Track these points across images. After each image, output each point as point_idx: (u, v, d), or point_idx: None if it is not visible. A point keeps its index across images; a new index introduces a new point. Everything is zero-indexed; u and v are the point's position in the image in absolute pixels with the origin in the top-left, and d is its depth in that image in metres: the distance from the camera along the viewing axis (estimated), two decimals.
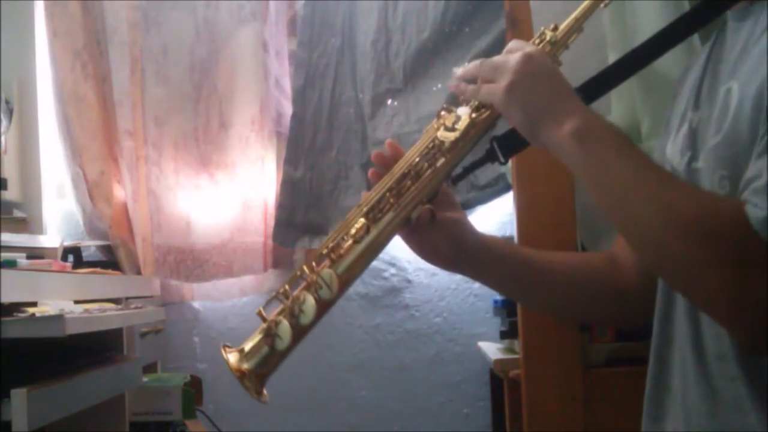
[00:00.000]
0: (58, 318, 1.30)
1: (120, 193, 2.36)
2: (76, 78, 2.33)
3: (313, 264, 0.92)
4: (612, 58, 1.45)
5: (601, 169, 0.80)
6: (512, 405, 1.66)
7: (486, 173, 2.19)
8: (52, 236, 2.16)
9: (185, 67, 2.35)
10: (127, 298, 1.96)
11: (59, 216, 2.42)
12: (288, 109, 2.37)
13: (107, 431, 1.73)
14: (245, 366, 0.88)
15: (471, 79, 0.90)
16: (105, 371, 1.59)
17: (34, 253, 1.83)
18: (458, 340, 2.38)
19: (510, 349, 1.85)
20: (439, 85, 2.24)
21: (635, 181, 0.77)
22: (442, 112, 0.95)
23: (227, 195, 2.37)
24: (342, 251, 0.92)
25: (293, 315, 0.89)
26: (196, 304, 2.43)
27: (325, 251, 0.92)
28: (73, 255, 2.19)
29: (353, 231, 0.93)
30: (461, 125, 0.92)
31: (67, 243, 2.20)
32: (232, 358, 0.89)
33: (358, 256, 0.92)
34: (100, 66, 2.35)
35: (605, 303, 1.05)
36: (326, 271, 0.91)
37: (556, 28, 0.91)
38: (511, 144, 0.92)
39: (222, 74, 2.37)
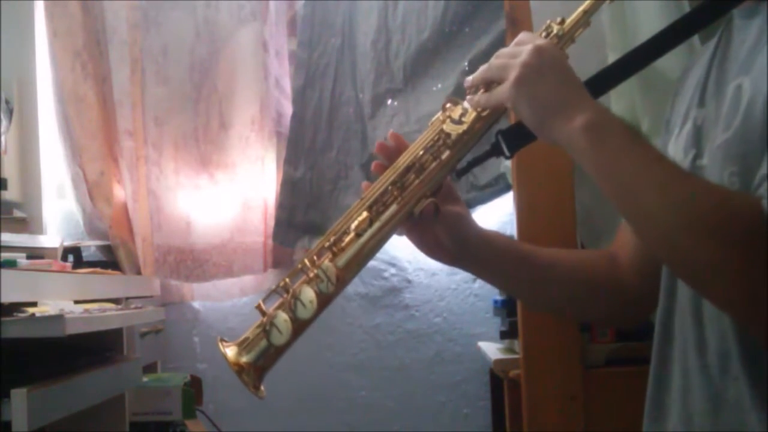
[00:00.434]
0: (58, 318, 1.30)
1: (120, 193, 2.36)
2: (76, 78, 2.33)
3: (315, 257, 0.91)
4: (611, 58, 1.45)
5: (612, 163, 0.78)
6: (512, 405, 1.66)
7: (486, 173, 2.18)
8: (52, 236, 2.16)
9: (185, 67, 2.35)
10: (127, 298, 1.96)
11: (59, 216, 2.42)
12: (288, 109, 2.37)
13: (107, 431, 1.73)
14: (243, 360, 0.86)
15: (481, 84, 0.89)
16: (105, 371, 1.59)
17: (34, 253, 1.83)
18: (458, 340, 2.38)
19: (510, 349, 1.86)
20: (439, 85, 2.25)
21: (647, 175, 0.76)
22: (448, 105, 0.93)
23: (227, 195, 2.37)
24: (343, 245, 0.91)
25: (292, 309, 0.87)
26: (196, 304, 2.43)
27: (326, 245, 0.91)
28: (73, 255, 2.19)
29: (355, 224, 0.91)
30: (468, 118, 0.91)
31: (67, 243, 2.20)
32: (230, 352, 0.87)
33: (359, 249, 0.91)
34: (100, 66, 2.35)
35: (604, 301, 1.04)
36: (326, 264, 0.89)
37: (563, 22, 0.90)
38: (517, 138, 0.90)
39: (222, 74, 2.37)
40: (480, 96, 0.89)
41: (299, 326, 0.88)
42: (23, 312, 1.35)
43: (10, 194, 2.15)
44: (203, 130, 2.36)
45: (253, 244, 2.35)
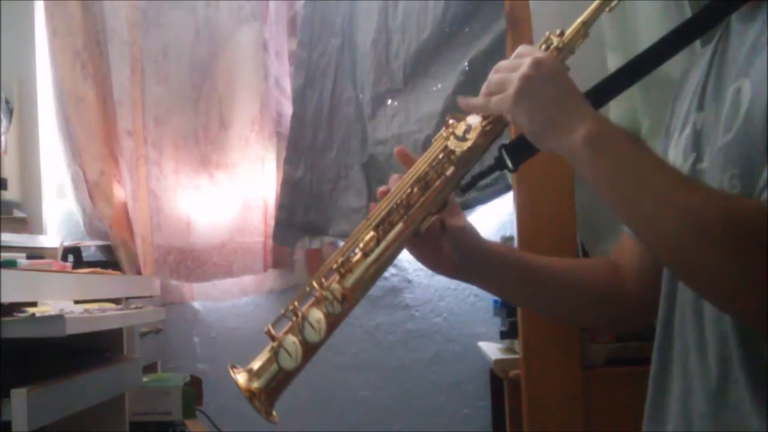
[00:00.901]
0: (58, 318, 1.30)
1: (120, 193, 2.36)
2: (76, 78, 2.33)
3: (322, 279, 0.91)
4: (611, 58, 1.45)
5: (614, 173, 0.78)
6: (512, 405, 1.66)
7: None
8: (52, 236, 2.16)
9: (185, 67, 2.35)
10: (127, 298, 1.96)
11: (59, 216, 2.42)
12: (288, 109, 2.37)
13: (107, 431, 1.73)
14: (255, 386, 0.87)
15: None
16: (105, 371, 1.59)
17: (34, 253, 1.82)
18: (458, 340, 2.38)
19: (510, 349, 1.85)
20: (439, 85, 2.24)
21: (650, 184, 0.76)
22: (451, 121, 0.93)
23: (227, 195, 2.37)
24: (351, 265, 0.91)
25: (302, 332, 0.87)
26: (196, 304, 2.43)
27: (334, 266, 0.90)
28: (73, 255, 2.19)
29: (362, 244, 0.91)
30: (472, 134, 0.90)
31: (67, 243, 2.20)
32: (241, 378, 0.87)
33: (366, 269, 0.91)
34: (100, 66, 2.35)
35: (607, 308, 1.05)
36: (335, 286, 0.89)
37: (562, 33, 0.90)
38: (520, 151, 0.91)
39: (222, 74, 2.37)
40: (480, 101, 0.89)
41: (309, 349, 0.88)
42: (23, 312, 1.35)
43: (10, 194, 2.15)
44: (203, 130, 2.36)
45: (253, 244, 2.35)
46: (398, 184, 0.93)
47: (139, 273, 2.30)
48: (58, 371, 1.41)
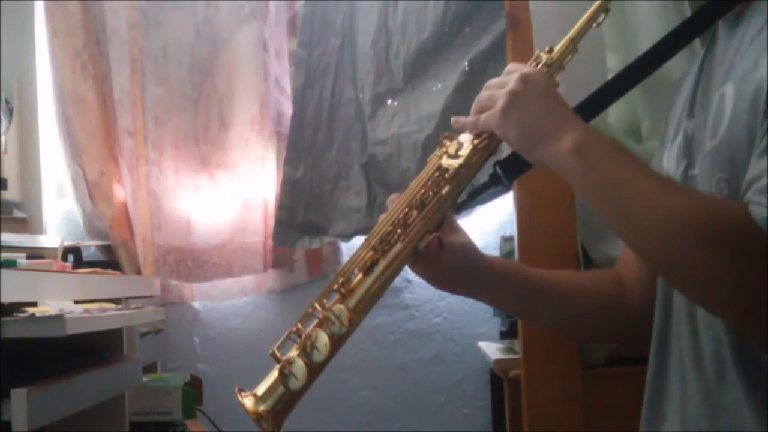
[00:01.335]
0: (58, 318, 1.30)
1: (120, 193, 2.36)
2: (76, 78, 2.33)
3: (324, 300, 0.92)
4: (610, 58, 1.45)
5: (602, 182, 0.80)
6: (512, 405, 1.66)
7: (485, 173, 2.18)
8: (52, 236, 2.16)
9: (185, 67, 2.35)
10: (127, 298, 1.96)
11: (59, 216, 2.42)
12: (288, 109, 2.37)
13: (107, 431, 1.73)
14: (262, 408, 0.88)
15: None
16: (105, 371, 1.59)
17: (34, 253, 1.83)
18: (458, 340, 2.38)
19: (510, 349, 1.85)
20: (439, 85, 2.24)
21: (637, 191, 0.77)
22: (445, 141, 0.95)
23: (227, 195, 2.37)
24: (352, 285, 0.92)
25: (306, 353, 0.89)
26: (196, 304, 2.43)
27: (335, 287, 0.92)
28: (73, 255, 2.19)
29: (362, 265, 0.93)
30: (464, 152, 0.92)
31: (67, 243, 2.20)
32: (248, 401, 0.88)
33: (368, 289, 0.92)
34: (100, 66, 2.35)
35: (609, 321, 1.05)
36: (337, 307, 0.91)
37: (551, 50, 0.92)
38: (514, 167, 0.92)
39: (222, 74, 2.37)
40: (470, 119, 0.91)
41: (314, 370, 0.90)
42: (23, 312, 1.35)
43: (10, 194, 2.15)
44: (203, 130, 2.36)
45: (253, 244, 2.35)
46: (396, 204, 0.95)
47: (139, 273, 2.30)
48: (58, 371, 1.41)
